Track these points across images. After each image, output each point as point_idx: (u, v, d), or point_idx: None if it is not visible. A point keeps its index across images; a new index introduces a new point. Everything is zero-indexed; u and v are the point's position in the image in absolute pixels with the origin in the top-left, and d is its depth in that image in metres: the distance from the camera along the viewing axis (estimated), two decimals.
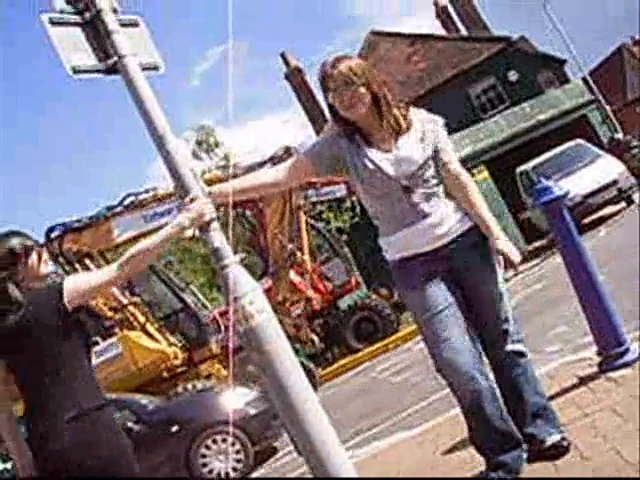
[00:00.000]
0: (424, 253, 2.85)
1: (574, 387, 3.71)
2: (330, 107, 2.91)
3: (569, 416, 3.28)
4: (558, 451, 2.85)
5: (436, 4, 32.16)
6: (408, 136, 2.88)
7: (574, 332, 5.52)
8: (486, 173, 20.60)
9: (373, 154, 2.84)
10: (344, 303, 15.37)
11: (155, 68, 3.26)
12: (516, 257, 2.97)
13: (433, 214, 2.83)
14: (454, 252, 2.88)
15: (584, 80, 23.34)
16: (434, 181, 2.86)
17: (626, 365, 3.56)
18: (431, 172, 2.85)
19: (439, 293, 2.85)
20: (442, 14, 31.99)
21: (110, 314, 12.35)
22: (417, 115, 3.02)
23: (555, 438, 2.89)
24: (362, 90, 2.86)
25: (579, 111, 22.42)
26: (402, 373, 9.14)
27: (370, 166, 2.81)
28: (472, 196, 2.94)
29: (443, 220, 2.86)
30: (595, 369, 3.75)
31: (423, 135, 2.90)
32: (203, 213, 2.84)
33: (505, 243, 2.94)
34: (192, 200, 2.89)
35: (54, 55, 2.97)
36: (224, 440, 7.56)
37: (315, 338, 13.91)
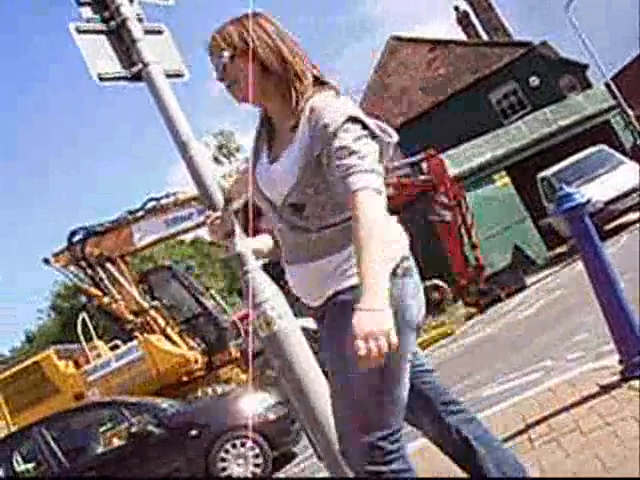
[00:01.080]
0: None
1: (595, 395, 3.68)
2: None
3: (590, 425, 3.26)
4: None
5: (457, 9, 32.08)
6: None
7: (595, 340, 5.48)
8: (507, 179, 20.50)
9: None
10: None
11: (179, 75, 3.30)
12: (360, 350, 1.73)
13: None
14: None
15: (606, 85, 23.16)
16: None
17: None
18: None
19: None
20: (463, 19, 31.90)
21: (131, 318, 12.45)
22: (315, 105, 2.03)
23: None
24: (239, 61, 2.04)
25: (601, 117, 22.25)
26: None
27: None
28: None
29: None
30: (617, 377, 3.72)
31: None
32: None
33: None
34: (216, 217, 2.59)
35: (79, 62, 3.02)
36: (243, 444, 7.58)
37: None
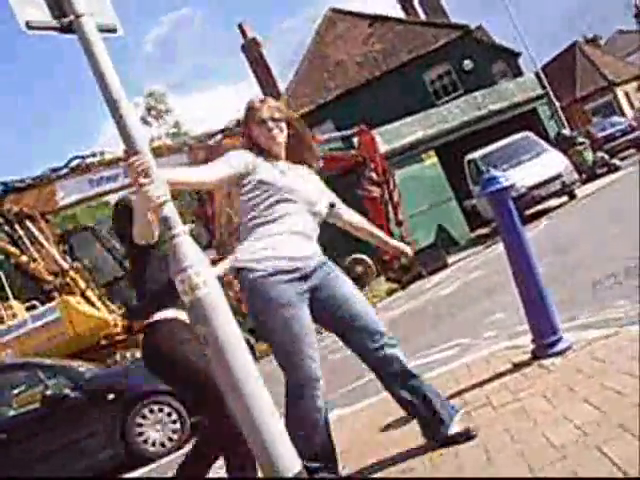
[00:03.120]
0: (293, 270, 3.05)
1: (508, 372, 3.83)
2: (249, 137, 3.21)
3: (501, 400, 3.39)
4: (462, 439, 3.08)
5: None
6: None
7: (510, 319, 5.68)
8: (435, 159, 20.84)
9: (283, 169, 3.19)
10: None
11: (112, 30, 3.19)
12: (407, 249, 3.76)
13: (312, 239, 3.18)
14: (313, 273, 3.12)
15: (536, 75, 23.76)
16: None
17: (558, 353, 3.69)
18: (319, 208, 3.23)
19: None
20: None
21: (50, 278, 12.14)
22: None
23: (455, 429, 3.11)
24: (283, 125, 3.19)
25: (529, 104, 22.85)
26: (341, 351, 9.24)
27: (284, 177, 3.11)
28: (359, 221, 3.61)
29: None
30: (529, 356, 3.88)
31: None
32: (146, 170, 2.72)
33: (395, 242, 3.86)
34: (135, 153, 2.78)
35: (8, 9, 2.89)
36: (161, 410, 7.54)
37: None
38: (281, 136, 3.17)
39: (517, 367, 3.83)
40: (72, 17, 2.93)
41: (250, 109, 3.20)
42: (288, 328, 2.99)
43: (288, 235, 3.04)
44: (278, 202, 3.05)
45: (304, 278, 3.06)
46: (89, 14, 2.96)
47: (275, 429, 2.88)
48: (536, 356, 3.80)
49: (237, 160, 3.05)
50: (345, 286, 3.18)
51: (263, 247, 3.02)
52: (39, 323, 11.39)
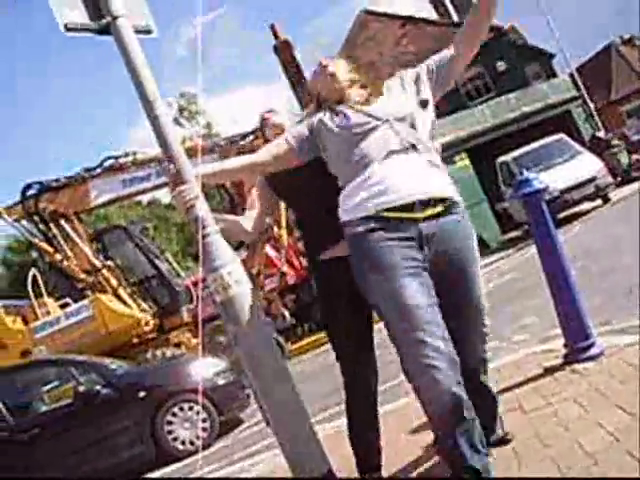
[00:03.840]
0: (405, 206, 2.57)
1: (539, 377, 3.79)
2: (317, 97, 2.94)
3: (533, 404, 3.36)
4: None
5: None
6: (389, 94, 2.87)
7: (543, 323, 5.62)
8: (467, 161, 20.68)
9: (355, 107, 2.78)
10: None
11: (148, 32, 3.23)
12: None
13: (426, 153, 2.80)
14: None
15: (571, 76, 23.47)
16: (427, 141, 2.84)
17: (591, 358, 3.64)
18: (423, 128, 2.81)
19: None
20: None
21: (83, 276, 12.30)
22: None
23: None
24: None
25: (563, 106, 22.57)
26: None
27: (352, 113, 2.73)
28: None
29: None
30: (560, 360, 3.84)
31: (403, 88, 2.89)
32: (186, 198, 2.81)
33: None
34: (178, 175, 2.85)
35: (44, 10, 2.95)
36: (191, 408, 7.59)
37: (286, 313, 13.97)
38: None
39: (549, 371, 3.79)
40: (109, 19, 2.97)
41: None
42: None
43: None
44: (362, 140, 2.65)
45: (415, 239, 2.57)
46: (126, 15, 3.00)
47: (304, 430, 2.89)
48: (568, 361, 3.76)
49: (291, 133, 2.86)
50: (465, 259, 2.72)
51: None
52: (72, 320, 11.55)
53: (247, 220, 3.13)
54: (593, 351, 3.68)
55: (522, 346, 5.19)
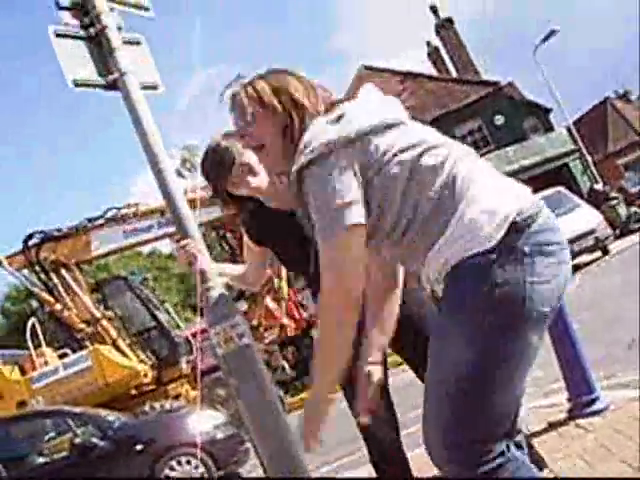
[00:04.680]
0: None
1: (543, 432, 3.75)
2: None
3: None
4: None
5: (428, 44, 32.68)
6: None
7: (546, 376, 5.57)
8: None
9: None
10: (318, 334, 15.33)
11: (154, 87, 3.31)
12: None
13: None
14: None
15: (568, 130, 23.80)
16: None
17: (595, 413, 3.61)
18: None
19: None
20: (433, 54, 32.50)
21: (82, 326, 12.25)
22: None
23: None
24: None
25: (561, 159, 22.86)
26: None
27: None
28: None
29: None
30: (565, 415, 3.80)
31: None
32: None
33: None
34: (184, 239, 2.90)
35: (51, 65, 3.02)
36: (189, 462, 7.48)
37: (286, 365, 13.86)
38: None
39: (553, 426, 3.75)
40: (117, 75, 3.05)
41: None
42: None
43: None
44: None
45: None
46: (133, 72, 3.08)
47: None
48: (572, 415, 3.72)
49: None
50: None
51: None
52: (70, 371, 11.45)
53: (249, 271, 3.02)
54: (597, 405, 3.65)
55: (526, 400, 5.14)
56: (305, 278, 2.79)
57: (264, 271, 3.06)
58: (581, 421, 3.60)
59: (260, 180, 2.52)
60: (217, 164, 2.53)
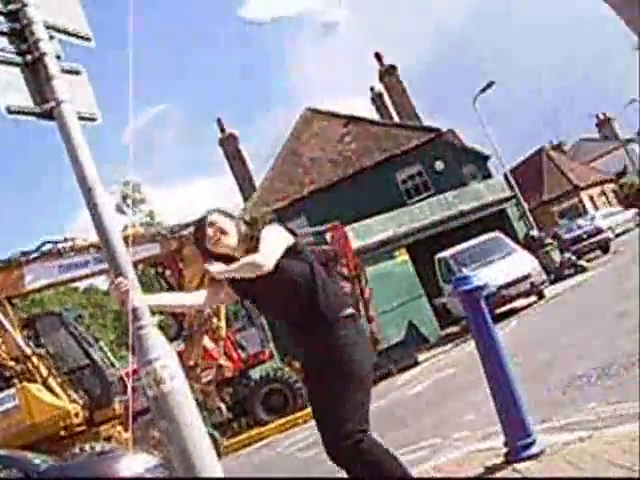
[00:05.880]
0: None
1: (481, 476, 3.72)
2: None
3: None
4: None
5: (372, 89, 33.30)
6: None
7: (482, 420, 5.58)
8: (406, 256, 21.03)
9: None
10: (255, 373, 15.12)
11: (92, 119, 3.22)
12: None
13: None
14: None
15: (505, 177, 24.43)
16: None
17: (532, 457, 3.61)
18: None
19: None
20: (377, 99, 33.11)
21: (11, 364, 11.76)
22: None
23: None
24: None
25: (499, 205, 23.39)
26: (308, 450, 8.98)
27: None
28: None
29: None
30: (502, 459, 3.78)
31: None
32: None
33: None
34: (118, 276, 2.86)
35: None
36: None
37: (223, 406, 13.58)
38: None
39: (490, 470, 3.73)
40: (53, 103, 2.96)
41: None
42: None
43: None
44: None
45: None
46: (70, 101, 2.99)
47: None
48: (509, 459, 3.71)
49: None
50: None
51: None
52: None
53: (195, 295, 3.14)
54: (534, 449, 3.65)
55: (462, 444, 5.13)
56: (287, 327, 2.99)
57: (218, 298, 3.09)
58: (518, 465, 3.59)
59: (230, 238, 2.99)
60: (197, 228, 3.07)
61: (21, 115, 2.92)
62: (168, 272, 14.37)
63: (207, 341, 13.62)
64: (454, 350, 14.12)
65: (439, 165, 27.54)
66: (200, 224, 3.08)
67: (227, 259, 2.99)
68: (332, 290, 2.94)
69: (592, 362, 5.80)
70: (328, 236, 17.05)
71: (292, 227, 3.10)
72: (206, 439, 2.81)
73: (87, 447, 10.77)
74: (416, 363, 14.74)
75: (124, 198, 37.14)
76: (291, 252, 2.93)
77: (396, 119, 30.94)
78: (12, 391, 11.23)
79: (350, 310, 2.88)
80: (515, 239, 20.06)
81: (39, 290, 14.02)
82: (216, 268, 2.90)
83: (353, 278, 15.42)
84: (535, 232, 21.79)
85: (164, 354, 2.76)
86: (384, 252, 20.82)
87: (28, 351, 11.98)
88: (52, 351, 12.61)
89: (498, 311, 14.98)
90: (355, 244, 18.10)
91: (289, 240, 2.94)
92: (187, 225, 14.23)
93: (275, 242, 2.90)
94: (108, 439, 11.71)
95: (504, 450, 3.80)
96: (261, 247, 2.86)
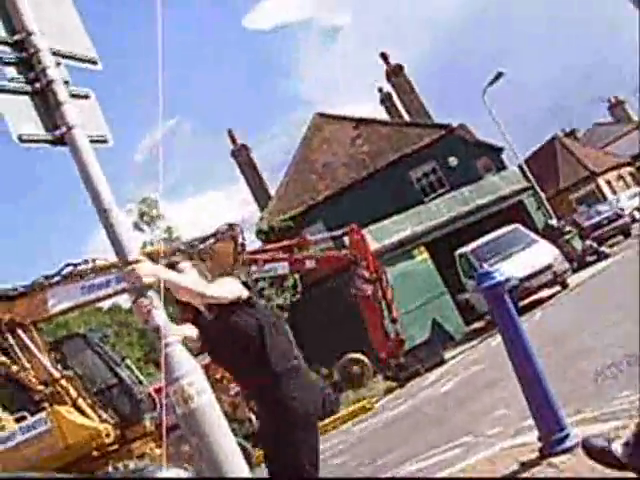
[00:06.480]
0: None
1: (516, 473, 3.69)
2: None
3: None
4: None
5: (380, 90, 33.25)
6: None
7: (514, 415, 5.53)
8: (426, 254, 20.95)
9: None
10: None
11: (104, 141, 3.24)
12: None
13: None
14: None
15: (520, 168, 24.26)
16: None
17: (567, 450, 3.56)
18: None
19: None
20: (386, 100, 33.05)
21: (40, 387, 11.83)
22: None
23: None
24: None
25: (515, 197, 23.23)
26: (341, 455, 8.97)
27: None
28: None
29: None
30: (536, 454, 3.74)
31: None
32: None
33: None
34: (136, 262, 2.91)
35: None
36: None
37: (253, 417, 13.58)
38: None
39: (525, 466, 3.69)
40: (64, 129, 2.97)
41: None
42: None
43: None
44: None
45: None
46: (81, 126, 3.01)
47: None
48: (544, 454, 3.67)
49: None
50: None
51: None
52: (28, 435, 11.02)
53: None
54: (568, 443, 3.61)
55: (496, 440, 5.08)
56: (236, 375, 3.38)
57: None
58: (553, 460, 3.55)
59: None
60: None
61: (33, 143, 2.94)
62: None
63: None
64: (480, 346, 14.02)
65: (453, 161, 27.43)
66: None
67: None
68: (279, 344, 3.10)
69: (622, 350, 5.72)
70: (346, 240, 17.04)
71: (246, 282, 3.30)
72: (237, 451, 2.80)
73: (120, 465, 10.84)
74: (443, 361, 14.66)
75: (142, 216, 37.37)
76: (245, 306, 3.08)
77: (406, 118, 30.89)
78: (43, 415, 11.30)
79: (295, 362, 3.11)
80: (534, 230, 19.90)
81: (63, 313, 14.10)
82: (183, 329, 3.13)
83: (374, 280, 15.37)
84: (554, 221, 21.62)
85: (190, 370, 2.77)
86: (403, 252, 20.76)
87: (56, 374, 12.06)
88: (80, 372, 12.68)
89: (522, 303, 14.87)
90: (374, 246, 18.07)
91: (243, 292, 3.11)
92: (205, 239, 14.30)
93: (231, 285, 3.12)
94: (141, 456, 11.76)
95: (538, 445, 3.76)
96: (217, 283, 3.12)
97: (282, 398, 2.93)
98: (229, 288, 3.08)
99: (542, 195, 24.13)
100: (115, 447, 11.94)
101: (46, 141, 3.00)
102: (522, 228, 17.87)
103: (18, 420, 11.59)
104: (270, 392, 2.96)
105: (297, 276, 17.53)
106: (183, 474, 7.85)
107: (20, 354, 12.14)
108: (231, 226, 14.37)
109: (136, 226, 31.87)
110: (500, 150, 28.89)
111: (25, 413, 11.65)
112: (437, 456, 5.80)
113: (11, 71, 3.01)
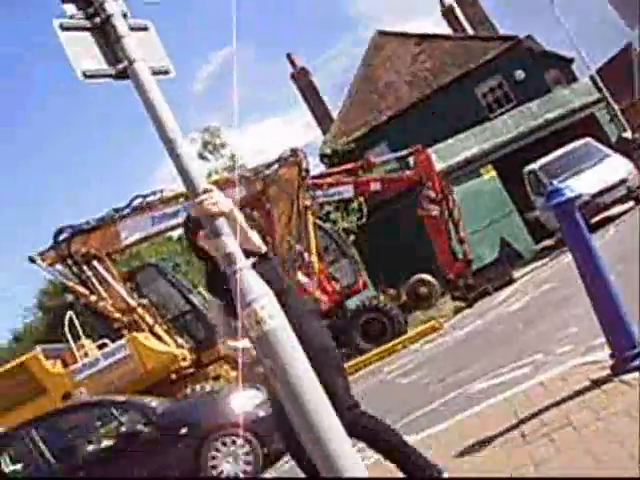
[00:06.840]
0: None
1: (587, 390, 3.68)
2: None
3: (583, 420, 3.25)
4: None
5: (442, 4, 32.06)
6: None
7: (585, 333, 5.48)
8: (494, 172, 20.56)
9: None
10: (352, 304, 15.34)
11: (165, 72, 3.25)
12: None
13: None
14: None
15: (591, 79, 23.23)
16: None
17: (639, 368, 3.53)
18: None
19: None
20: (448, 14, 31.86)
21: (118, 316, 12.38)
22: None
23: None
24: None
25: (587, 110, 22.33)
26: (410, 374, 9.12)
27: None
28: None
29: None
30: (608, 371, 3.72)
31: None
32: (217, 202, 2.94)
33: None
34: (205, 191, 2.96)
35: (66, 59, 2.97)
36: (234, 442, 7.54)
37: None
38: None
39: (596, 384, 3.68)
40: (126, 63, 2.99)
41: None
42: None
43: None
44: None
45: None
46: (142, 59, 3.02)
47: (349, 458, 2.83)
48: (616, 372, 3.64)
49: None
50: None
51: None
52: (110, 361, 11.60)
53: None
54: None
55: (566, 358, 5.07)
56: None
57: None
58: (625, 377, 3.53)
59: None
60: (187, 225, 3.45)
61: (97, 78, 2.98)
62: (256, 213, 14.60)
63: (301, 276, 13.85)
64: (551, 264, 13.83)
65: (520, 74, 26.45)
66: (187, 222, 3.45)
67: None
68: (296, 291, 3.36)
69: None
70: (411, 160, 16.84)
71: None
72: (309, 373, 2.87)
73: (198, 387, 11.31)
74: (512, 280, 14.55)
75: (205, 145, 37.66)
76: (263, 258, 3.18)
77: (470, 31, 29.81)
78: (122, 342, 11.84)
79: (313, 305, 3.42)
80: (607, 143, 19.19)
81: (135, 244, 14.55)
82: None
83: (441, 201, 15.22)
84: (628, 134, 20.76)
85: (262, 294, 2.82)
86: (470, 170, 20.42)
87: (133, 303, 12.56)
88: (154, 300, 13.17)
89: (594, 220, 14.51)
90: (439, 165, 17.80)
91: (262, 246, 3.23)
92: (269, 165, 14.36)
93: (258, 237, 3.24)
94: (216, 378, 12.24)
95: (610, 362, 3.74)
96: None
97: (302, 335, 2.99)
98: (260, 240, 3.21)
99: (615, 107, 23.11)
100: (191, 370, 12.46)
101: (109, 75, 3.03)
102: (594, 142, 17.24)
103: (100, 347, 12.19)
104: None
105: (362, 199, 17.48)
106: (259, 395, 8.15)
107: (97, 285, 12.66)
108: (294, 151, 14.38)
109: (200, 156, 32.13)
110: (570, 61, 27.67)
111: (106, 340, 12.24)
112: (508, 374, 5.83)
113: (70, 8, 3.03)
